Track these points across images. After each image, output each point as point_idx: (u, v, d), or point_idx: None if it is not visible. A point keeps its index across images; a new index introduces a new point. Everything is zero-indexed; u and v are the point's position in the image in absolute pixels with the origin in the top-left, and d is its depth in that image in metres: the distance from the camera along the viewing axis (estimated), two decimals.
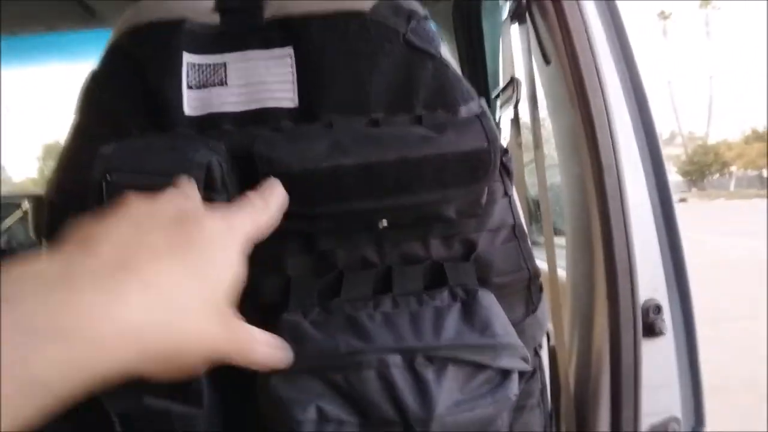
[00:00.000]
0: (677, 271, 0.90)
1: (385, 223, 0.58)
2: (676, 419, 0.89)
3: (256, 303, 0.60)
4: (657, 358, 0.87)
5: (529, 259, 0.64)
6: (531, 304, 0.66)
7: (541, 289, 0.69)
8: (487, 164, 0.56)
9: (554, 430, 0.76)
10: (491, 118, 0.60)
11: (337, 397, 0.51)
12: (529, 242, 0.65)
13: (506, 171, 0.63)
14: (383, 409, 0.50)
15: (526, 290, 0.66)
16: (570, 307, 0.95)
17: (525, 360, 0.57)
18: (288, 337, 0.54)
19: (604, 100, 0.82)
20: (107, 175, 0.50)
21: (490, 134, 0.56)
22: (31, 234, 0.63)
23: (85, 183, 0.55)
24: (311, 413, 0.50)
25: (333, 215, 0.56)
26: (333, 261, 0.60)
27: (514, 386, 0.54)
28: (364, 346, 0.52)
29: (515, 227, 0.64)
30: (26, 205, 1.59)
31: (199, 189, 0.51)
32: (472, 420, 0.52)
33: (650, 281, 0.86)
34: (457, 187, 0.56)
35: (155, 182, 0.51)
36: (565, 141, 0.88)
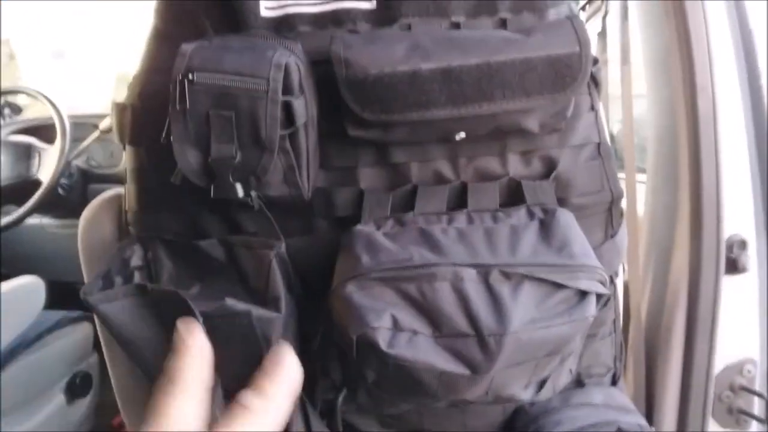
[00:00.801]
0: (767, 204, 0.84)
1: (462, 134, 0.55)
2: (752, 361, 0.85)
3: (331, 216, 0.60)
4: (737, 296, 0.82)
5: (613, 180, 0.61)
6: (610, 229, 0.63)
7: (622, 214, 0.65)
8: (576, 71, 0.52)
9: (622, 363, 0.74)
10: (583, 21, 0.55)
11: (411, 308, 0.51)
12: (614, 162, 0.61)
13: (594, 82, 0.59)
14: (456, 322, 0.50)
15: (607, 213, 0.62)
16: (646, 241, 0.91)
17: (603, 283, 0.54)
18: (362, 247, 0.53)
19: (704, 13, 0.75)
20: (189, 74, 0.49)
21: (582, 38, 0.52)
22: (116, 140, 0.65)
23: (167, 84, 0.55)
24: (386, 321, 0.50)
25: (409, 123, 0.54)
26: (406, 174, 0.59)
27: (591, 308, 0.52)
28: (438, 258, 0.52)
29: (600, 145, 0.60)
30: (104, 124, 1.64)
31: (277, 91, 0.50)
32: (546, 338, 0.50)
33: (737, 215, 0.81)
34: (542, 95, 0.52)
35: (234, 83, 0.50)
36: (656, 59, 0.81)
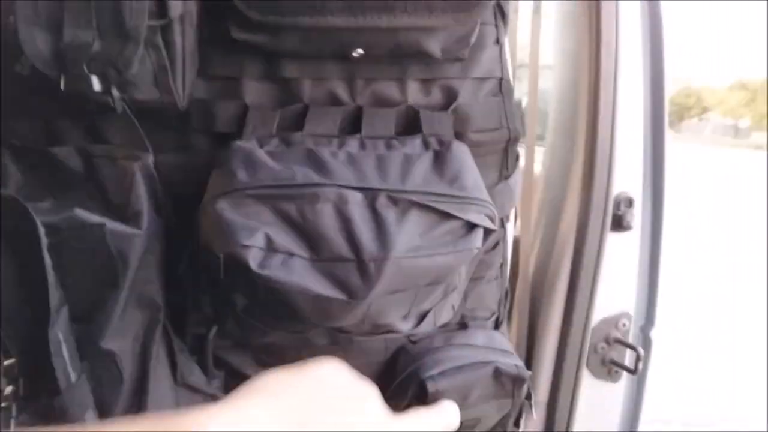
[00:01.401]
0: (655, 167, 0.87)
1: (360, 51, 0.51)
2: (627, 315, 0.89)
3: (210, 131, 0.55)
4: (619, 253, 0.86)
5: (512, 118, 0.59)
6: (505, 170, 0.62)
7: (517, 158, 0.65)
8: None
9: (506, 308, 0.75)
10: None
11: (288, 229, 0.47)
12: (514, 101, 0.60)
13: (501, 13, 0.57)
14: (337, 245, 0.46)
15: (503, 153, 0.61)
16: (540, 198, 0.92)
17: (492, 219, 0.53)
18: (239, 163, 0.49)
19: None
20: None
21: None
22: None
23: None
24: (259, 240, 0.45)
25: (301, 30, 0.49)
26: (297, 92, 0.54)
27: (477, 240, 0.51)
28: (322, 179, 0.48)
29: (502, 81, 0.59)
30: None
31: None
32: (428, 266, 0.48)
33: (626, 173, 0.83)
34: (445, 14, 0.49)
35: None
36: (563, 16, 0.81)
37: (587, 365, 0.89)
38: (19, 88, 0.53)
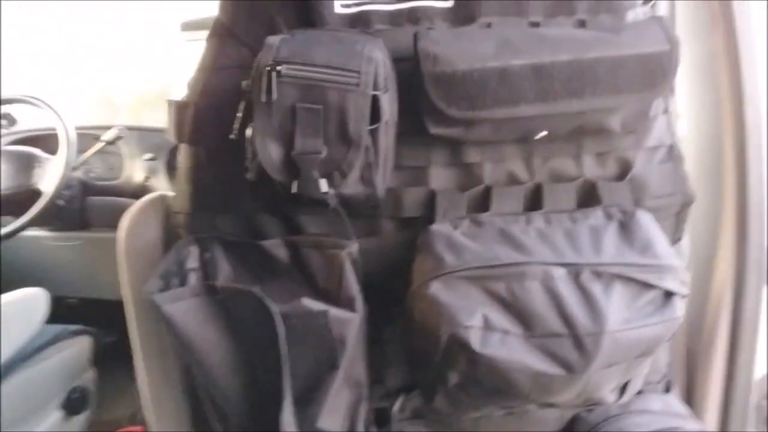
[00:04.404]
0: None
1: (544, 133, 0.55)
2: None
3: (398, 216, 0.59)
4: None
5: (685, 183, 0.60)
6: (678, 232, 0.63)
7: (686, 220, 0.65)
8: (667, 69, 0.52)
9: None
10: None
11: (500, 307, 0.49)
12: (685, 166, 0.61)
13: None
14: (550, 321, 0.48)
15: (676, 217, 0.62)
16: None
17: (685, 285, 0.54)
18: (443, 246, 0.52)
19: (749, 20, 0.76)
20: (277, 66, 0.48)
21: (672, 37, 0.52)
22: (169, 137, 0.61)
23: (231, 81, 0.53)
24: (477, 320, 0.48)
25: (494, 121, 0.53)
26: (479, 174, 0.58)
27: (679, 308, 0.52)
28: (525, 258, 0.50)
29: (672, 147, 0.60)
30: (108, 135, 1.61)
31: (368, 84, 0.49)
32: (640, 338, 0.49)
33: None
34: (632, 93, 0.52)
35: (324, 75, 0.49)
36: (698, 66, 0.82)
37: (751, 423, 0.85)
38: (226, 190, 0.60)
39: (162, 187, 1.83)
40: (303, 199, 0.53)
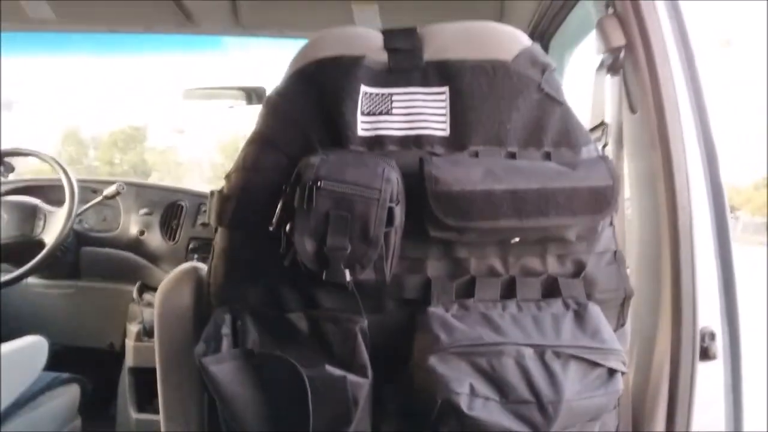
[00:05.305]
0: (729, 302, 1.01)
1: (517, 239, 0.70)
2: None
3: (399, 298, 0.72)
4: (708, 380, 0.98)
5: (626, 281, 0.76)
6: (621, 319, 0.78)
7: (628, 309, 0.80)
8: (610, 198, 0.68)
9: None
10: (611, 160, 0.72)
11: (482, 378, 0.63)
12: (626, 267, 0.77)
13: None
14: (520, 390, 0.62)
15: (620, 307, 0.77)
16: (631, 329, 1.06)
17: (624, 364, 0.68)
18: (439, 327, 0.65)
19: (683, 145, 0.94)
20: (318, 181, 0.62)
21: (614, 174, 0.69)
22: (210, 221, 0.73)
23: (269, 181, 0.67)
24: (466, 388, 0.61)
25: (481, 230, 0.68)
26: (466, 267, 0.72)
27: (620, 384, 0.66)
28: (502, 338, 0.64)
29: (616, 252, 0.76)
30: (109, 191, 1.70)
31: (387, 199, 0.64)
32: (589, 406, 0.63)
33: (707, 310, 0.97)
34: (583, 215, 0.68)
35: (353, 191, 0.63)
36: (641, 180, 1.00)
37: None
38: (256, 268, 0.72)
39: (156, 240, 1.91)
40: (327, 282, 0.66)
